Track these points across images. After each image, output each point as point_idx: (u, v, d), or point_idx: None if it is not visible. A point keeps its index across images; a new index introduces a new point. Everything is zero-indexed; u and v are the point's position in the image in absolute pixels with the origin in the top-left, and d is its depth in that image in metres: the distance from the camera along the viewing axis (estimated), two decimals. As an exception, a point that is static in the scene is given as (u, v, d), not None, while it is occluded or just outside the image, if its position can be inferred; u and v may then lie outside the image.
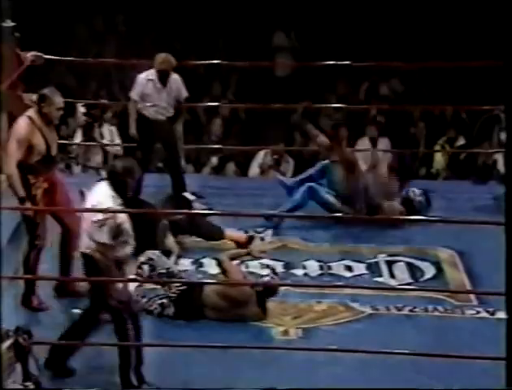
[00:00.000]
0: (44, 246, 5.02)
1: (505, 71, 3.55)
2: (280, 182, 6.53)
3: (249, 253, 5.62)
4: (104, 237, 4.20)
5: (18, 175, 4.88)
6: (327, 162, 6.46)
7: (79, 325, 4.39)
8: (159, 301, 4.95)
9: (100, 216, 4.20)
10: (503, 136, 7.15)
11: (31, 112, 5.02)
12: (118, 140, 7.83)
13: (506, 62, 3.54)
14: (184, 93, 6.32)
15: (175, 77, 6.27)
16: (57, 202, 5.01)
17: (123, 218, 4.24)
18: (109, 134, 7.87)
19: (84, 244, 4.29)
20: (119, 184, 4.26)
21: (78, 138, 7.95)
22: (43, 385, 3.79)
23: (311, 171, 6.51)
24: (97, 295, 4.28)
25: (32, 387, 3.70)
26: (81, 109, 7.63)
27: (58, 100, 5.01)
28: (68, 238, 5.08)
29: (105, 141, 8.00)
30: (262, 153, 8.05)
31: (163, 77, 6.19)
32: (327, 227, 6.17)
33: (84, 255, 4.31)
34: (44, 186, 4.96)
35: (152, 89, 6.21)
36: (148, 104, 6.22)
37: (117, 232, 4.22)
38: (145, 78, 6.23)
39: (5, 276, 3.82)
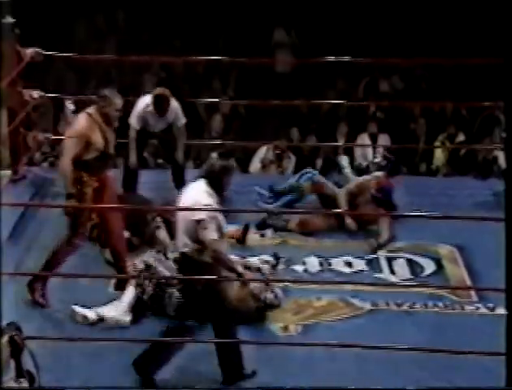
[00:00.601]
0: (81, 246, 5.02)
1: (505, 68, 3.55)
2: (259, 193, 6.35)
3: (242, 243, 5.66)
4: (214, 235, 4.22)
5: (71, 170, 4.89)
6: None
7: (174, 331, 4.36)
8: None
9: (203, 215, 4.20)
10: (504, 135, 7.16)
11: (91, 109, 5.04)
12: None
13: (506, 59, 3.53)
14: (182, 121, 6.20)
15: (174, 106, 6.13)
16: (104, 203, 5.00)
17: (219, 214, 4.28)
18: None
19: (183, 243, 4.29)
20: (215, 181, 4.30)
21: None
22: (42, 381, 3.78)
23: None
24: (212, 297, 4.27)
25: (25, 384, 3.69)
26: (69, 106, 7.60)
27: (118, 101, 5.04)
28: (109, 239, 5.11)
29: None
30: (264, 149, 8.04)
31: (159, 107, 6.06)
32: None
33: (183, 255, 4.30)
34: (95, 185, 4.96)
35: (150, 118, 6.13)
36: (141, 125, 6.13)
37: (219, 229, 4.26)
38: (145, 104, 6.11)
39: (5, 272, 3.82)
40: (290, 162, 8.03)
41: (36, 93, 6.41)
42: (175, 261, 4.49)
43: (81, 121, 4.99)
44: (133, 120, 6.15)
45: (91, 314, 4.81)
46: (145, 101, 6.14)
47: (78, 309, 4.83)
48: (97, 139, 4.95)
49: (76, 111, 7.70)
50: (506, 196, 3.86)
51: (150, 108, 6.11)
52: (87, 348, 4.51)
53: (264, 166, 7.93)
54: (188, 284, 4.35)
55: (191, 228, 4.24)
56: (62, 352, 4.50)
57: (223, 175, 4.34)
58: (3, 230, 4.42)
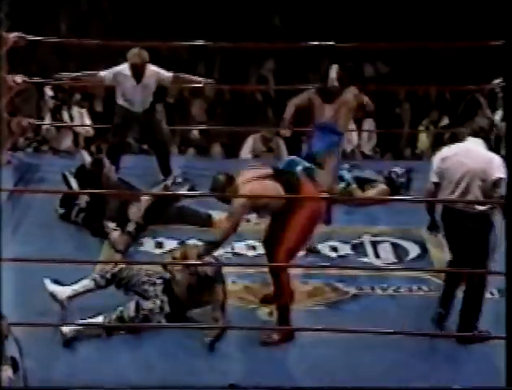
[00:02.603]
0: None
1: (504, 55, 3.57)
2: None
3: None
4: None
5: None
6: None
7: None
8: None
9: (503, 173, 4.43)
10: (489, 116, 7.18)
11: None
12: (88, 123, 7.76)
13: (506, 47, 3.56)
14: (168, 78, 6.19)
15: (152, 70, 6.12)
16: None
17: None
18: (79, 117, 7.79)
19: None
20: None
21: (47, 120, 7.88)
22: (28, 368, 3.77)
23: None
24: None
25: (9, 371, 3.67)
26: (49, 92, 7.55)
27: None
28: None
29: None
30: (251, 140, 7.96)
31: (137, 73, 6.06)
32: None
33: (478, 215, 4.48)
34: None
35: (126, 84, 6.11)
36: (120, 91, 6.13)
37: None
38: (121, 71, 6.11)
39: (5, 259, 3.79)
40: (282, 150, 7.97)
41: (19, 78, 6.37)
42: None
43: None
44: (106, 73, 6.14)
45: (61, 291, 4.74)
46: (123, 66, 6.12)
47: (49, 284, 4.76)
48: None
49: (55, 97, 7.69)
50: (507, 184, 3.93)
51: (126, 73, 6.07)
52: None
53: (256, 156, 7.87)
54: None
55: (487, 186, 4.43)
56: (47, 337, 4.50)
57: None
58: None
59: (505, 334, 3.85)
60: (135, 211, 5.61)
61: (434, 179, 4.62)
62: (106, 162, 5.91)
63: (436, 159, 4.66)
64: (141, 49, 6.10)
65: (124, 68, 6.12)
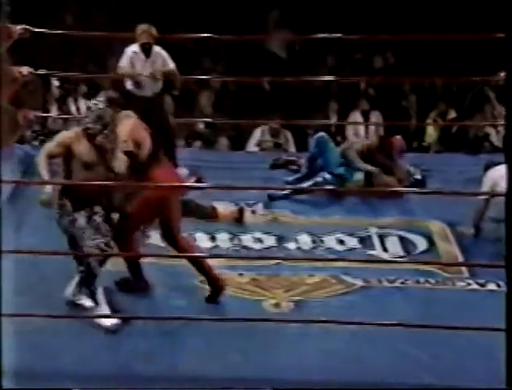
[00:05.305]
0: None
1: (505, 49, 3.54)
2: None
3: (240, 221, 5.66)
4: None
5: None
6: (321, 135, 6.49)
7: None
8: None
9: None
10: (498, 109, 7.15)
11: None
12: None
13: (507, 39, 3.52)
14: (171, 65, 6.30)
15: (158, 50, 6.29)
16: None
17: None
18: (86, 108, 7.79)
19: None
20: None
21: (53, 112, 7.88)
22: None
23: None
24: None
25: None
26: (55, 82, 7.56)
27: None
28: None
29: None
30: (258, 131, 7.94)
31: (145, 49, 6.24)
32: (316, 201, 6.18)
33: None
34: None
35: (137, 61, 6.24)
36: (132, 83, 6.20)
37: None
38: (132, 50, 6.28)
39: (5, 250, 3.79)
40: (289, 143, 7.96)
41: (25, 70, 6.36)
42: None
43: None
44: (122, 63, 6.26)
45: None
46: (133, 45, 6.27)
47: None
48: None
49: (61, 87, 7.70)
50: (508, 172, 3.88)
51: (136, 50, 6.23)
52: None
53: (263, 149, 7.86)
54: None
55: None
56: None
57: None
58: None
59: (505, 329, 3.81)
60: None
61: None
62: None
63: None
64: (149, 26, 6.23)
65: (133, 46, 6.26)
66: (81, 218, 4.56)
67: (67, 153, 4.58)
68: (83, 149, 4.57)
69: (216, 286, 4.81)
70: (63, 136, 4.69)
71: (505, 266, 3.86)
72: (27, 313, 4.29)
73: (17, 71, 6.28)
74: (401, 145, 6.54)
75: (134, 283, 4.86)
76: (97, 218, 4.60)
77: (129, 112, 4.78)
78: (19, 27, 6.22)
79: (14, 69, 6.24)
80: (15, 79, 6.25)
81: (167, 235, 4.86)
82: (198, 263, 4.78)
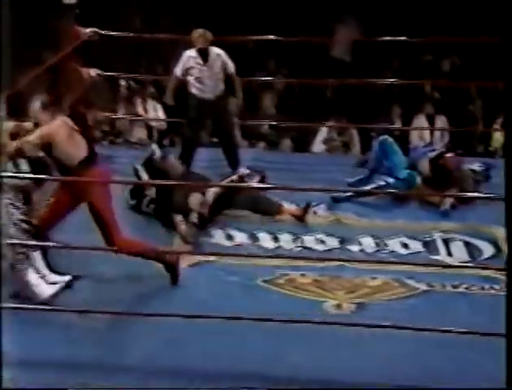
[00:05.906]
0: None
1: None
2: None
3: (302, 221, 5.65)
4: None
5: None
6: (384, 137, 6.47)
7: None
8: None
9: None
10: None
11: None
12: (162, 116, 7.84)
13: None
14: (231, 67, 6.32)
15: (217, 52, 6.29)
16: None
17: None
18: (153, 109, 7.88)
19: None
20: None
21: (121, 113, 8.00)
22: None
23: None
24: None
25: None
26: (123, 83, 7.67)
27: None
28: None
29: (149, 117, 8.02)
30: (325, 130, 7.93)
31: (202, 53, 6.25)
32: (379, 204, 6.15)
33: None
34: None
35: (195, 66, 6.28)
36: (191, 78, 6.27)
37: None
38: (189, 54, 6.31)
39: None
40: (355, 141, 7.93)
41: (93, 72, 6.49)
42: None
43: None
44: (177, 68, 6.34)
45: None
46: (190, 50, 6.32)
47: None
48: None
49: (128, 88, 7.81)
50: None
51: (193, 54, 6.27)
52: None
53: (329, 149, 7.85)
54: None
55: None
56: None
57: None
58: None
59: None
60: (196, 201, 5.64)
61: None
62: (172, 158, 6.02)
63: None
64: (204, 30, 6.27)
65: (190, 51, 6.30)
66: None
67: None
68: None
69: (169, 265, 4.89)
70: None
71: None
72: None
73: (86, 72, 6.41)
74: (456, 161, 6.41)
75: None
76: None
77: (65, 118, 4.77)
78: (88, 29, 6.36)
79: (83, 70, 6.38)
80: (84, 80, 6.39)
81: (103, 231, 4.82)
82: (143, 255, 4.83)
